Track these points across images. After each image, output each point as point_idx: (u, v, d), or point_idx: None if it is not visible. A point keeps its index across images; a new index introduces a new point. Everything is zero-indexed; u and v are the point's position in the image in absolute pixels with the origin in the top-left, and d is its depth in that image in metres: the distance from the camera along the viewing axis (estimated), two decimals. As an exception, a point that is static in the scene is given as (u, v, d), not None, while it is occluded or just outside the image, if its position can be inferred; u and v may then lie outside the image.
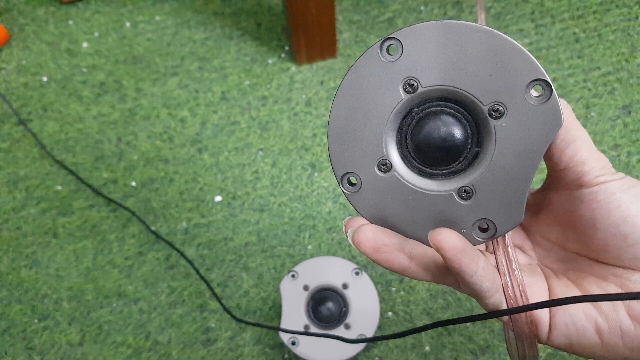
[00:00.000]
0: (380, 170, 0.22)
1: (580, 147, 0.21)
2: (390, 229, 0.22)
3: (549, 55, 0.71)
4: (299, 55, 0.72)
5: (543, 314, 0.22)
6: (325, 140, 0.67)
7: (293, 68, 0.73)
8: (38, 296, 0.58)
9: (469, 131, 0.21)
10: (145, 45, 0.77)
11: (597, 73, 0.69)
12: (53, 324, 0.57)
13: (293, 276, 0.53)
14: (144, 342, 0.55)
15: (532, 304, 0.20)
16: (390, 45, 0.21)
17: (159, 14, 0.81)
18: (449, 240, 0.20)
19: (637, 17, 0.74)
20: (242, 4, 0.81)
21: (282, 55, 0.75)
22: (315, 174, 0.64)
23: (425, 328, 0.24)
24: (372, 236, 0.21)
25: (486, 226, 0.21)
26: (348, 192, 0.22)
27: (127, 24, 0.80)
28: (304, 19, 0.66)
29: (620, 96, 0.67)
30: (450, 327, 0.53)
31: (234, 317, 0.51)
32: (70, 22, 0.81)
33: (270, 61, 0.74)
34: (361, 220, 0.22)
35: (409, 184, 0.22)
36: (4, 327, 0.57)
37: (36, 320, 0.57)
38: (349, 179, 0.22)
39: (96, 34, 0.79)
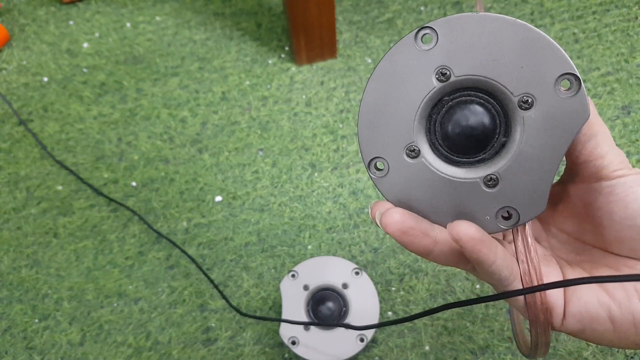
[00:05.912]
0: (408, 156, 0.22)
1: (601, 142, 0.22)
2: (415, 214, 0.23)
3: (549, 56, 0.71)
4: (299, 55, 0.72)
5: (557, 301, 0.22)
6: (325, 140, 0.67)
7: (293, 68, 0.73)
8: (38, 296, 0.59)
9: (498, 121, 0.22)
10: (145, 46, 0.78)
11: (597, 73, 0.69)
12: (53, 323, 0.57)
13: (293, 276, 0.53)
14: (145, 341, 0.55)
15: (545, 284, 0.21)
16: (425, 34, 0.21)
17: (159, 14, 0.81)
18: (467, 231, 0.20)
19: (636, 18, 0.74)
20: (243, 5, 0.81)
21: (282, 55, 0.75)
22: (315, 174, 0.65)
23: (436, 310, 0.24)
24: (399, 219, 0.22)
25: (508, 214, 0.22)
26: (375, 177, 0.23)
27: (128, 25, 0.80)
28: (304, 19, 0.66)
29: (619, 96, 0.67)
30: (450, 326, 0.54)
31: (238, 311, 0.51)
32: (71, 23, 0.81)
33: (270, 61, 0.74)
34: (387, 205, 0.23)
35: (436, 171, 0.22)
36: (4, 327, 0.57)
37: (37, 320, 0.57)
38: (376, 164, 0.23)
39: (97, 35, 0.79)
